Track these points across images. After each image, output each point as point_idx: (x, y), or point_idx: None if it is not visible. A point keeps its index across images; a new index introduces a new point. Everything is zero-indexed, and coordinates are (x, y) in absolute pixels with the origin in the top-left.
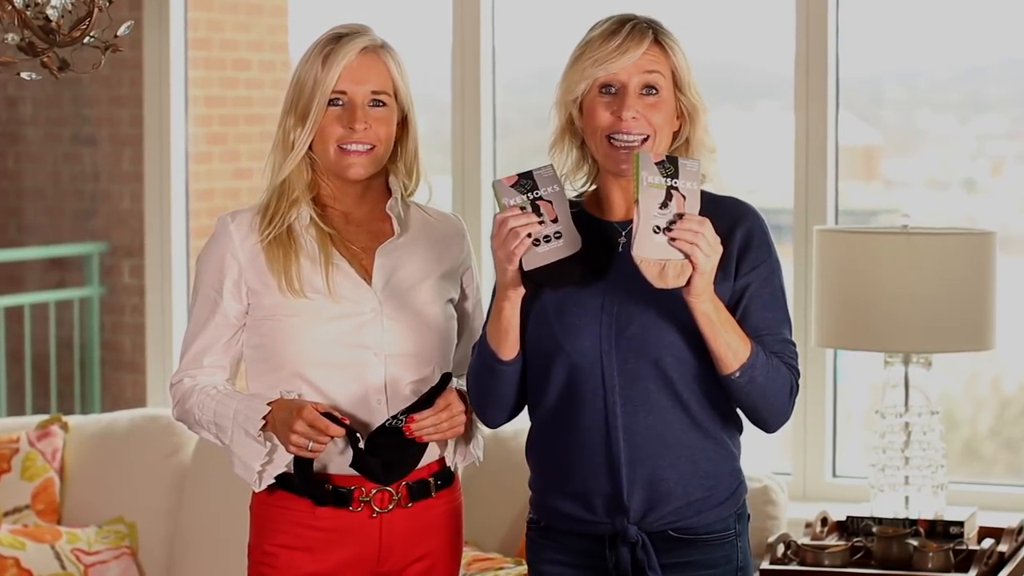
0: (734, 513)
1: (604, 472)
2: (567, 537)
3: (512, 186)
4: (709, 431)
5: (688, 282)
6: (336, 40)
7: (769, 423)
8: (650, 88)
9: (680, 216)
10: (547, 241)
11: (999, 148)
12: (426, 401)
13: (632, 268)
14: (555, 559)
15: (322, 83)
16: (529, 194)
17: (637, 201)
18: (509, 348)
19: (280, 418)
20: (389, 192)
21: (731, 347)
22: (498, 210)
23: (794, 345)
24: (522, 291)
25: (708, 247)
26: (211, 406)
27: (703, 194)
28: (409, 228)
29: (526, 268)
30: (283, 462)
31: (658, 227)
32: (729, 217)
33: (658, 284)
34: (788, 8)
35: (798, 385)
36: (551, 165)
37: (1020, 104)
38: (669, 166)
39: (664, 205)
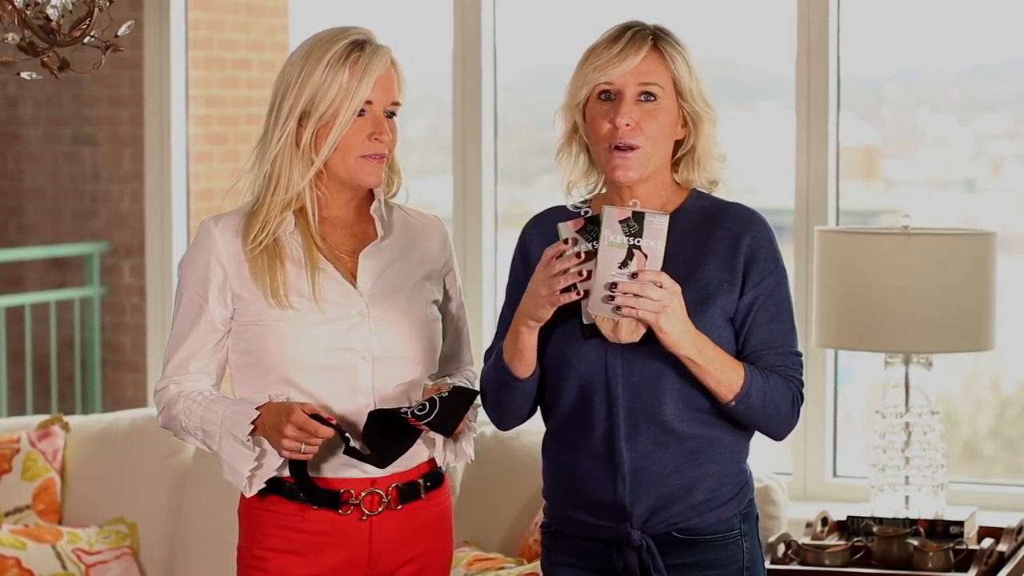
0: (739, 513)
1: (608, 481)
2: (576, 541)
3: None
4: (715, 435)
5: (654, 336)
6: (359, 48)
7: (773, 435)
8: (648, 95)
9: (634, 276)
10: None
11: (999, 148)
12: (442, 421)
13: None
14: (566, 562)
15: (353, 93)
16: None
17: (597, 258)
18: (525, 368)
19: (270, 423)
20: (371, 195)
21: (722, 381)
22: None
23: (798, 355)
24: (544, 321)
25: (655, 304)
26: (198, 412)
27: (712, 199)
28: (392, 230)
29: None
30: (273, 466)
31: (613, 286)
32: (736, 225)
33: (613, 340)
34: (788, 8)
35: (802, 395)
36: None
37: (1020, 104)
38: (634, 224)
39: (624, 264)
